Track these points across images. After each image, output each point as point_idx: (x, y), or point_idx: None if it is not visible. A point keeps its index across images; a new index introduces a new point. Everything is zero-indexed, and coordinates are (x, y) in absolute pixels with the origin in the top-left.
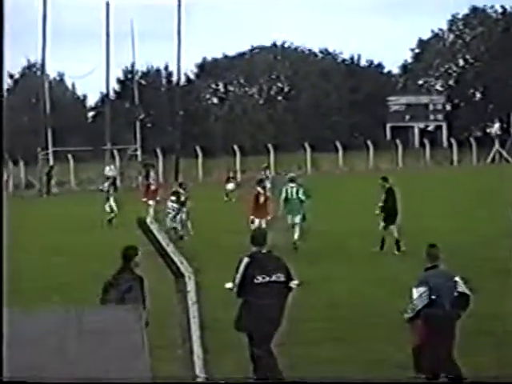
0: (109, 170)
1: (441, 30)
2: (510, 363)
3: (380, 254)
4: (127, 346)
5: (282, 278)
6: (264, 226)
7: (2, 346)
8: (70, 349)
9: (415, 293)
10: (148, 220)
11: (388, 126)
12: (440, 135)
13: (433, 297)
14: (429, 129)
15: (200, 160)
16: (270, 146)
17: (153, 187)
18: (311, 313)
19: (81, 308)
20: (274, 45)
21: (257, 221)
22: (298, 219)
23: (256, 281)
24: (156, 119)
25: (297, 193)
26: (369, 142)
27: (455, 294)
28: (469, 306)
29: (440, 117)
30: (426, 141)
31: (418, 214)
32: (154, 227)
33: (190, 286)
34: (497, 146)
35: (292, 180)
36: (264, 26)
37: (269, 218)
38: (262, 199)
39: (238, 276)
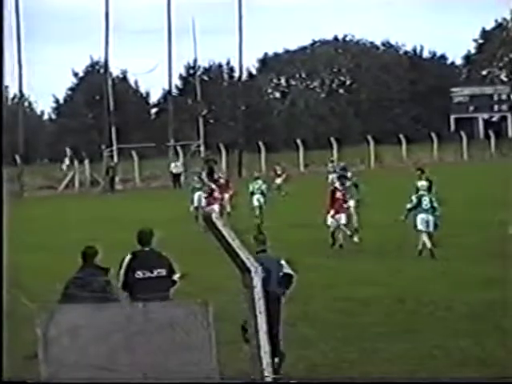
0: (174, 167)
1: (504, 19)
2: None
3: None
4: (194, 342)
5: (164, 273)
6: (343, 221)
7: (2, 346)
8: (137, 344)
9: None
10: (213, 216)
11: (452, 117)
12: (505, 126)
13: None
14: (493, 119)
15: (263, 155)
16: (332, 139)
17: (222, 181)
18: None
19: (148, 304)
20: (336, 38)
21: (336, 216)
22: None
23: (137, 276)
24: (218, 115)
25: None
26: (432, 134)
27: (281, 274)
28: (292, 284)
29: (505, 107)
30: (490, 132)
31: (487, 204)
32: (219, 223)
33: (256, 281)
34: None
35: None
36: (325, 19)
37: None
38: (338, 194)
39: (121, 272)
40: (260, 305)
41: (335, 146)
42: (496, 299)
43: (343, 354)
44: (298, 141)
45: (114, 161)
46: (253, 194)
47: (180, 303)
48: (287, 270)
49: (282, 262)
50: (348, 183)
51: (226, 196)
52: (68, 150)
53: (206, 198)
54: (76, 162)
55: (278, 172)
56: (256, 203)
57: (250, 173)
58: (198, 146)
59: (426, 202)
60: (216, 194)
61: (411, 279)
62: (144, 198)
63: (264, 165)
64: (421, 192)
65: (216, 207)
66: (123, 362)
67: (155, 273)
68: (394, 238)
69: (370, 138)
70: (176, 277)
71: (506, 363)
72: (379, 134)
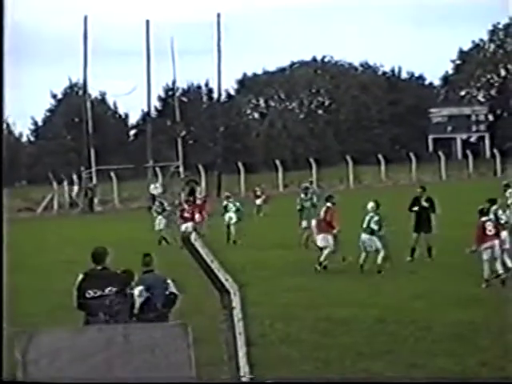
0: (153, 188)
1: (481, 40)
2: None
3: (420, 266)
4: (174, 364)
5: (115, 291)
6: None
7: (2, 346)
8: (116, 366)
9: (136, 292)
10: (192, 237)
11: (430, 137)
12: (483, 146)
13: (147, 295)
14: (471, 140)
15: (242, 175)
16: (311, 160)
17: (198, 202)
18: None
19: (127, 326)
20: (314, 59)
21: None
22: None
23: (87, 295)
24: (197, 136)
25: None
26: (411, 155)
27: (167, 293)
28: (175, 303)
29: (482, 127)
30: (468, 152)
31: (464, 225)
32: (198, 244)
33: (236, 302)
34: None
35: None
36: (303, 40)
37: (334, 231)
38: (330, 214)
39: (74, 291)
40: (239, 326)
41: (314, 166)
42: (475, 319)
43: (325, 375)
44: (277, 161)
45: (93, 182)
46: (226, 211)
47: (160, 325)
48: (172, 289)
49: (169, 281)
50: (307, 204)
51: (197, 216)
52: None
53: (179, 216)
54: (55, 184)
55: (258, 193)
56: (227, 220)
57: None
58: (177, 167)
59: (365, 221)
60: (186, 214)
61: (391, 299)
62: (123, 220)
63: (243, 185)
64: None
65: (189, 225)
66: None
67: (106, 291)
68: (373, 258)
69: (348, 158)
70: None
71: (487, 381)
72: (358, 155)
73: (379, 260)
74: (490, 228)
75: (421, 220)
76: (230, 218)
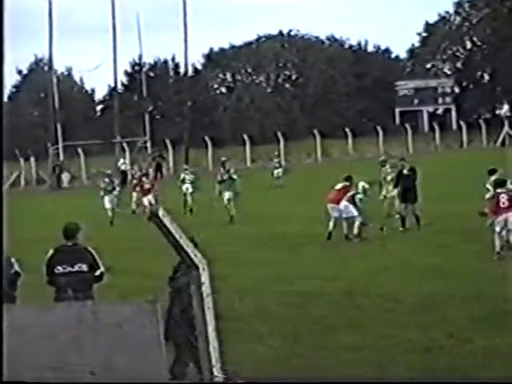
0: (122, 163)
1: (447, 12)
2: None
3: (387, 238)
4: (143, 340)
5: (84, 268)
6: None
7: (2, 346)
8: (86, 343)
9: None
10: (160, 212)
11: (397, 110)
12: (449, 118)
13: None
14: (438, 112)
15: (210, 150)
16: (279, 134)
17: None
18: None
19: (97, 303)
20: (281, 33)
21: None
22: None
23: (57, 271)
24: (164, 111)
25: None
26: (378, 128)
27: (11, 272)
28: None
29: (449, 100)
30: (435, 124)
31: (432, 197)
32: (166, 219)
33: (204, 277)
34: (506, 127)
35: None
36: (270, 14)
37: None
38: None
39: (45, 267)
40: (208, 301)
41: (282, 140)
42: (443, 290)
43: (293, 348)
44: (245, 136)
45: (60, 158)
46: (183, 182)
47: (128, 302)
48: (16, 268)
49: (13, 260)
50: (226, 177)
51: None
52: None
53: (137, 190)
54: (22, 160)
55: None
56: (184, 191)
57: (198, 168)
58: (145, 142)
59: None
60: (147, 186)
61: (359, 272)
62: (90, 196)
63: (211, 160)
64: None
65: (150, 197)
66: (72, 361)
67: (76, 267)
68: (340, 230)
69: (316, 132)
70: (99, 272)
71: (452, 351)
72: (325, 128)
73: (355, 228)
74: (503, 200)
75: (407, 191)
76: (187, 189)
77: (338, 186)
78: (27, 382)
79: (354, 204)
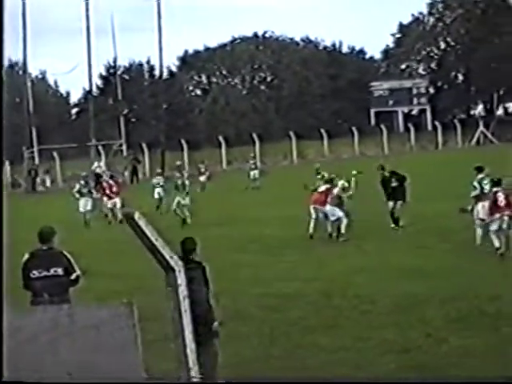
0: (96, 167)
1: (421, 13)
2: None
3: (363, 239)
4: (120, 342)
5: (60, 272)
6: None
7: (2, 347)
8: (62, 346)
9: None
10: (136, 215)
11: (372, 111)
12: (424, 119)
13: None
14: (413, 113)
15: (186, 153)
16: (254, 135)
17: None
18: (303, 302)
19: (73, 306)
20: (255, 35)
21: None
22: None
23: (32, 275)
24: (140, 113)
25: None
26: (353, 129)
27: None
28: None
29: (423, 100)
30: (410, 125)
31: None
32: (141, 222)
33: (181, 279)
34: (481, 127)
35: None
36: (244, 16)
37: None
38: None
39: (20, 271)
40: (185, 303)
41: (257, 142)
42: (419, 291)
43: (272, 350)
44: (220, 138)
45: (36, 162)
46: (154, 187)
47: (105, 304)
48: None
49: None
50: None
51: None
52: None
53: (103, 194)
54: None
55: (201, 170)
56: (156, 196)
57: (173, 171)
58: (120, 145)
59: None
60: (115, 189)
61: (337, 273)
62: (66, 199)
63: (187, 163)
64: None
65: (117, 200)
66: (49, 363)
67: (51, 271)
68: (319, 232)
69: (291, 133)
70: (74, 275)
71: (430, 351)
72: (301, 130)
73: (343, 228)
74: (501, 199)
75: (394, 190)
76: (159, 193)
77: (321, 189)
78: (27, 381)
79: (341, 204)
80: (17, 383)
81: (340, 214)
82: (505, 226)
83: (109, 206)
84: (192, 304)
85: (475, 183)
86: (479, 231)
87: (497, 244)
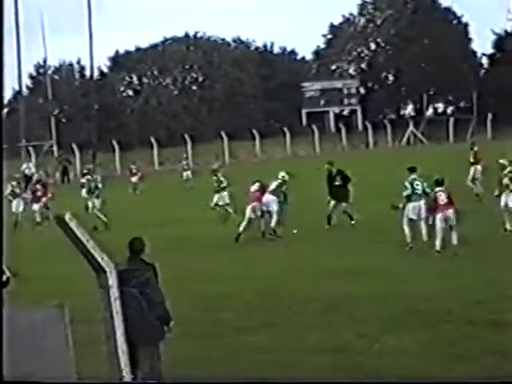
0: (25, 168)
1: (351, 14)
2: None
3: (294, 239)
4: (52, 345)
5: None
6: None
7: (2, 347)
8: (3, 348)
9: None
10: (67, 217)
11: (303, 111)
12: (355, 119)
13: None
14: (344, 113)
15: (117, 153)
16: (186, 136)
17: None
18: (237, 302)
19: (11, 308)
20: (186, 35)
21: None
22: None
23: None
24: (71, 114)
25: None
26: (285, 129)
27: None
28: None
29: (354, 101)
30: (341, 125)
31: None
32: (73, 224)
33: (112, 281)
34: (411, 127)
35: None
36: (175, 16)
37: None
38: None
39: None
40: (116, 305)
41: (189, 143)
42: (352, 291)
43: (204, 351)
44: (152, 139)
45: None
46: (82, 187)
47: (38, 308)
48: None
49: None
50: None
51: (44, 199)
52: None
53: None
54: None
55: (133, 171)
56: (85, 195)
57: (106, 172)
58: (51, 146)
59: (273, 185)
60: (39, 194)
61: (269, 273)
62: None
63: (118, 163)
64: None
65: (37, 206)
66: None
67: None
68: (249, 231)
69: (223, 134)
70: (5, 277)
71: (363, 351)
72: (233, 130)
73: (273, 223)
74: (442, 198)
75: (337, 189)
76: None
77: (255, 188)
78: (27, 381)
79: (278, 197)
80: (17, 383)
81: (275, 207)
82: (452, 222)
83: (36, 208)
84: (152, 305)
85: (406, 183)
86: (407, 230)
87: (437, 243)
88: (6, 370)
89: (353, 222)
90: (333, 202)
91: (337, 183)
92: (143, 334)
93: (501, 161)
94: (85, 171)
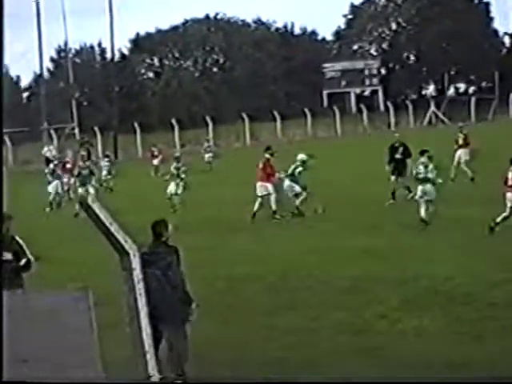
0: (47, 151)
1: None
2: None
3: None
4: (75, 328)
5: (9, 257)
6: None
7: (2, 347)
8: (18, 331)
9: None
10: (90, 199)
11: (324, 92)
12: (376, 99)
13: None
14: (365, 94)
15: (138, 136)
16: (207, 118)
17: (68, 165)
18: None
19: (27, 292)
20: (207, 17)
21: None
22: None
23: None
24: (92, 97)
25: None
26: (306, 110)
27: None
28: None
29: (375, 81)
30: (362, 106)
31: (363, 177)
32: (95, 206)
33: (135, 263)
34: (432, 107)
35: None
36: None
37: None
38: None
39: None
40: (140, 287)
41: (210, 124)
42: (371, 272)
43: (226, 333)
44: (173, 121)
45: None
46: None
47: (60, 290)
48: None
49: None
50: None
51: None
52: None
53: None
54: None
55: (155, 153)
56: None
57: (127, 154)
58: (73, 129)
59: (291, 169)
60: (68, 166)
61: (290, 255)
62: (19, 183)
63: (140, 146)
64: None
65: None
66: (5, 350)
67: (3, 257)
68: (267, 214)
69: (244, 115)
70: (24, 261)
71: (384, 331)
72: (254, 112)
73: (298, 202)
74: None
75: (397, 164)
76: (105, 175)
77: (260, 165)
78: (27, 381)
79: (294, 178)
80: (17, 383)
81: (297, 188)
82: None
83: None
84: (172, 289)
85: (420, 166)
86: (422, 211)
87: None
88: (8, 368)
89: (411, 194)
90: (393, 177)
91: (398, 156)
92: (166, 316)
93: None
94: (107, 153)
